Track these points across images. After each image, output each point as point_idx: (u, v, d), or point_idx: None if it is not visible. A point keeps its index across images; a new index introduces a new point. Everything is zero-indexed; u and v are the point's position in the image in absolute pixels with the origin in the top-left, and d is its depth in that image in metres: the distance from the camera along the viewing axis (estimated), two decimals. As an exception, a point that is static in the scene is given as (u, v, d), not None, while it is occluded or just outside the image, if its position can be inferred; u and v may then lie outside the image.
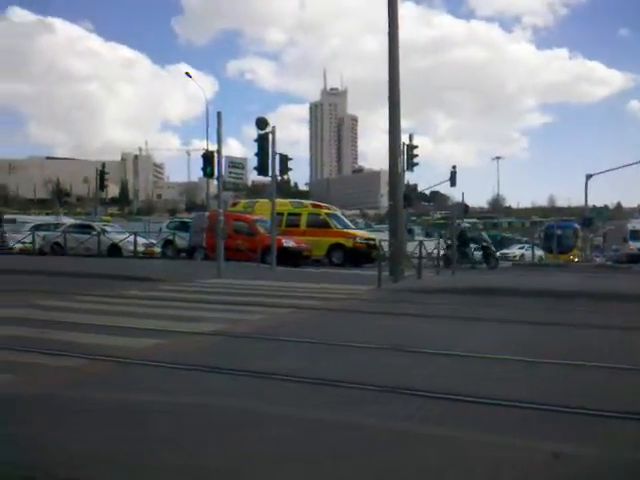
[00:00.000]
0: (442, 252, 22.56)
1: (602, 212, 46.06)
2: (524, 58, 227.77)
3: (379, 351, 5.69)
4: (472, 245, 23.66)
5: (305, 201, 28.61)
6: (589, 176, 37.11)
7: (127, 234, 25.28)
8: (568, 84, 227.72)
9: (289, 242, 20.32)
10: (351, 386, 4.23)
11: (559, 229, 36.80)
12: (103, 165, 40.65)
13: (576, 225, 38.29)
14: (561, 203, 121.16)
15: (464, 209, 31.68)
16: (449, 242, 23.29)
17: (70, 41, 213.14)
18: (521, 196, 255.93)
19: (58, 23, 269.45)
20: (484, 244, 23.82)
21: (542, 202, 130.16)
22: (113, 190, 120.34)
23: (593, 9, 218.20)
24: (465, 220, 30.88)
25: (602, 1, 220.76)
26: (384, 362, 5.25)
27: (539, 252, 36.46)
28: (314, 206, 25.63)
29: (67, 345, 5.51)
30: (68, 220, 36.21)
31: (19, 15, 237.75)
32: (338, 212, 27.56)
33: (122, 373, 4.72)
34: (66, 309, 8.18)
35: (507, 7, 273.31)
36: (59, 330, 6.35)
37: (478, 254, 23.62)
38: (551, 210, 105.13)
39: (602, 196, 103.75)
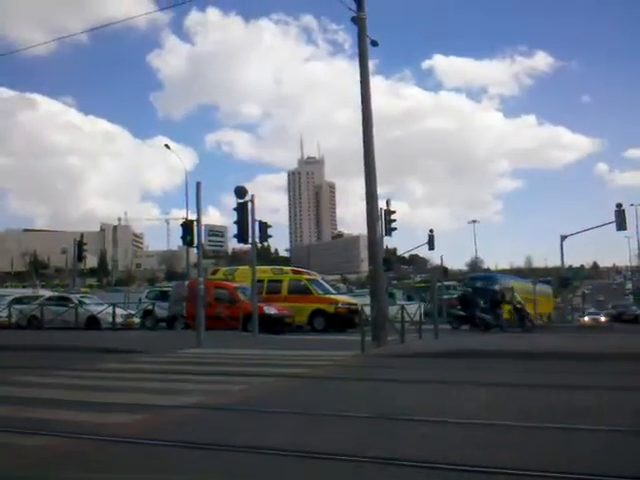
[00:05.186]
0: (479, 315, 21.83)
1: (579, 272, 46.69)
2: (493, 126, 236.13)
3: (367, 420, 5.56)
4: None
5: (286, 267, 28.63)
6: (564, 237, 37.88)
7: (105, 305, 24.92)
8: (537, 149, 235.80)
9: (271, 309, 20.18)
10: (340, 458, 4.09)
11: (480, 282, 31.67)
12: (81, 236, 40.36)
13: (507, 278, 33.74)
14: (538, 264, 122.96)
15: (443, 272, 31.96)
16: (485, 304, 22.27)
17: (50, 115, 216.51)
18: (499, 258, 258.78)
19: (38, 98, 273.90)
20: (518, 306, 22.41)
21: (520, 263, 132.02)
22: (92, 261, 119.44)
23: (556, 78, 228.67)
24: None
25: (563, 70, 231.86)
26: (372, 432, 5.14)
27: None
28: (295, 272, 25.65)
29: (43, 423, 5.31)
30: (46, 292, 35.69)
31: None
32: (319, 278, 27.56)
33: (99, 452, 4.54)
34: (42, 385, 7.93)
35: (473, 79, 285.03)
36: (35, 407, 6.12)
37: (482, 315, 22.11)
38: (528, 271, 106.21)
39: (578, 256, 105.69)
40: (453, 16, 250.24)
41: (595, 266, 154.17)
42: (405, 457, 4.07)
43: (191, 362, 11.06)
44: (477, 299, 22.49)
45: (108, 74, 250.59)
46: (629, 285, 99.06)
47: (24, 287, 59.79)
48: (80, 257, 37.56)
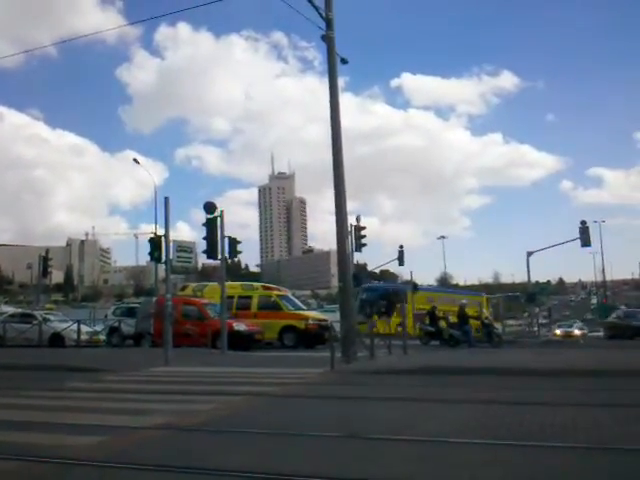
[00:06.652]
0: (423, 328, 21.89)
1: (545, 287, 47.36)
2: (461, 143, 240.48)
3: (336, 440, 5.51)
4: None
5: (256, 283, 28.45)
6: (530, 253, 38.44)
7: (70, 322, 24.41)
8: (504, 167, 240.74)
9: (240, 325, 20.01)
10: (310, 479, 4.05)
11: (368, 292, 29.81)
12: (47, 251, 39.55)
13: (403, 286, 31.79)
14: (505, 279, 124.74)
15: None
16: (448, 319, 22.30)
17: (16, 128, 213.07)
18: (467, 273, 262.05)
19: (4, 111, 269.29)
20: (486, 321, 22.42)
21: (488, 279, 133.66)
22: (58, 276, 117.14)
23: (521, 97, 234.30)
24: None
25: (529, 90, 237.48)
26: (342, 451, 5.09)
27: None
28: (265, 288, 25.51)
29: (11, 447, 5.12)
30: (9, 309, 34.86)
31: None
32: (289, 293, 27.47)
33: (67, 476, 4.41)
34: (8, 406, 7.68)
35: (441, 97, 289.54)
36: (2, 430, 5.92)
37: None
38: (496, 286, 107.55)
39: (545, 271, 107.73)
40: (420, 35, 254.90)
41: (561, 282, 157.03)
42: (377, 477, 4.04)
43: (158, 381, 10.87)
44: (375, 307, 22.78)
45: (76, 87, 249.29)
46: (594, 300, 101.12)
47: (-13, 303, 58.25)
48: (45, 272, 36.68)
